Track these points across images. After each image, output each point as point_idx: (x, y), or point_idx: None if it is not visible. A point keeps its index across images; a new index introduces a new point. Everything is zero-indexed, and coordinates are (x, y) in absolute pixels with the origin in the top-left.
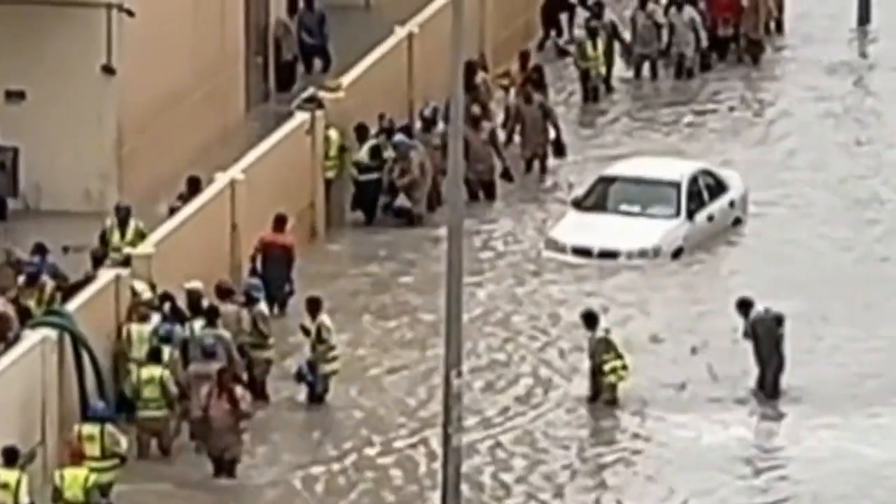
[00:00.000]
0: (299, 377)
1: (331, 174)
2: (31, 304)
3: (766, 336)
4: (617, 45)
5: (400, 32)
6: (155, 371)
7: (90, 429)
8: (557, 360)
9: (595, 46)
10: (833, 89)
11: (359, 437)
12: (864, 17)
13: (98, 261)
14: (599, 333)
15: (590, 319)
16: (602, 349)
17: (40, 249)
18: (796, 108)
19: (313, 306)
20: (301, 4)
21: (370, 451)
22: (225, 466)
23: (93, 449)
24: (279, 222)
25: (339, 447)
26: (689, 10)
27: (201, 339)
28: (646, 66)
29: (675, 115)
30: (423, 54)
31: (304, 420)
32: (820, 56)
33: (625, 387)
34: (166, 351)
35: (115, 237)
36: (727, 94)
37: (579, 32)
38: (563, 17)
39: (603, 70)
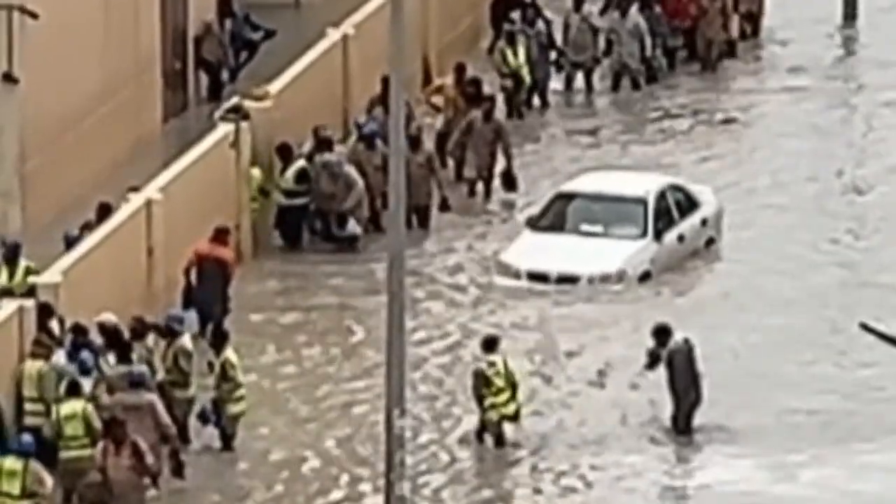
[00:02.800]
0: (202, 418)
1: (252, 216)
2: None
3: (683, 367)
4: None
5: (333, 35)
6: (76, 406)
7: (12, 464)
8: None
9: (516, 53)
10: (811, 92)
11: (284, 488)
12: (849, 13)
13: None
14: (479, 365)
15: (487, 346)
16: (481, 383)
17: None
18: (771, 117)
19: (219, 340)
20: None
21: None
22: None
23: (12, 486)
24: (219, 234)
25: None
26: (633, 16)
27: (129, 368)
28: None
29: (631, 126)
30: (360, 59)
31: (221, 465)
32: (799, 58)
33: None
34: (85, 383)
35: (3, 277)
36: (688, 102)
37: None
38: (516, 16)
39: (528, 77)
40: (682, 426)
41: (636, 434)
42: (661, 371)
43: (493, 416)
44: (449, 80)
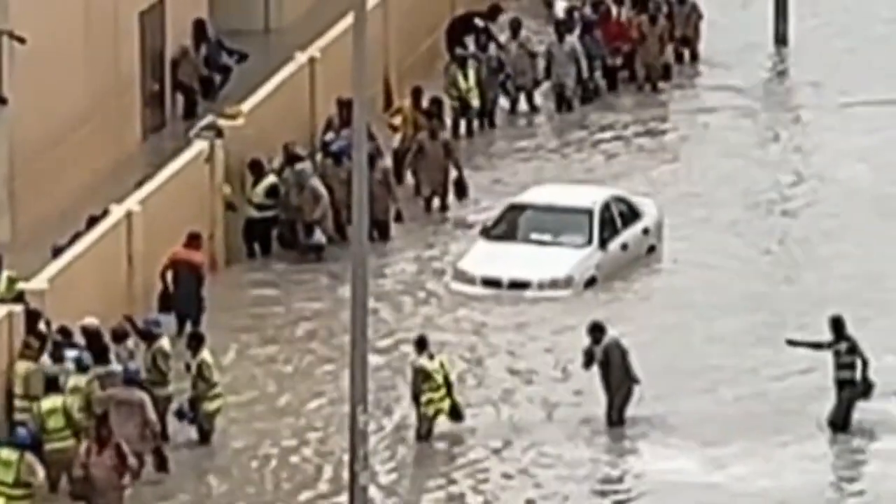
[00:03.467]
0: (179, 415)
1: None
2: None
3: (617, 363)
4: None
5: (301, 58)
6: (56, 400)
7: (8, 454)
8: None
9: (466, 77)
10: (746, 111)
11: (258, 478)
12: (780, 38)
13: None
14: (419, 361)
15: (419, 345)
16: (420, 379)
17: None
18: (708, 134)
19: (195, 342)
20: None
21: (265, 488)
22: None
23: (6, 475)
24: (191, 239)
25: (233, 493)
26: (570, 40)
27: (106, 368)
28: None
29: (575, 142)
30: (326, 80)
31: (196, 460)
32: (732, 78)
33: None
34: (82, 379)
35: None
36: (630, 120)
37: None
38: (470, 40)
39: (476, 102)
40: (615, 419)
41: (574, 427)
42: (595, 367)
43: (429, 411)
44: (407, 102)
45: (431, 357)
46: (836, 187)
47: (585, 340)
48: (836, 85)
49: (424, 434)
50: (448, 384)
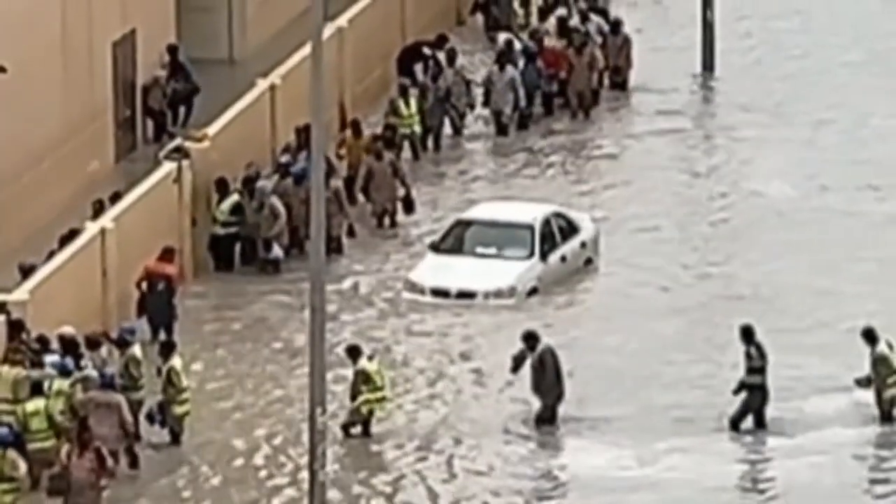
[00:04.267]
0: (150, 418)
1: None
2: None
3: (550, 369)
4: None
5: (262, 84)
6: (39, 403)
7: None
8: (428, 399)
9: (408, 104)
10: (676, 132)
11: (226, 476)
12: (707, 64)
13: None
14: (361, 364)
15: (353, 352)
16: (360, 380)
17: None
18: (640, 153)
19: (165, 350)
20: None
21: (233, 486)
22: None
23: None
24: (165, 253)
25: (199, 487)
26: (510, 70)
27: (100, 369)
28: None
29: (515, 163)
30: (286, 105)
31: (167, 459)
32: (662, 103)
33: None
34: (65, 383)
35: None
36: (566, 142)
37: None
38: (418, 68)
39: (418, 129)
40: (546, 418)
41: (514, 427)
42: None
43: (364, 409)
44: (348, 132)
45: (370, 359)
46: (759, 200)
47: (518, 347)
48: (760, 108)
49: (360, 433)
50: (383, 387)
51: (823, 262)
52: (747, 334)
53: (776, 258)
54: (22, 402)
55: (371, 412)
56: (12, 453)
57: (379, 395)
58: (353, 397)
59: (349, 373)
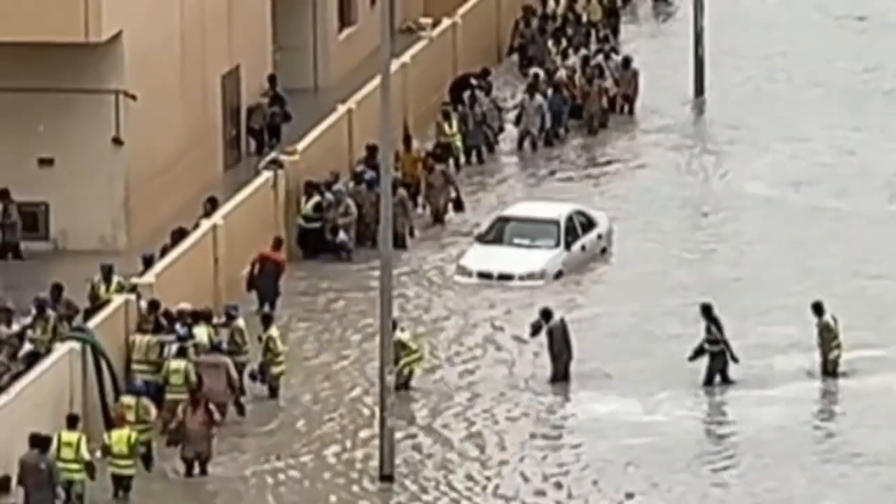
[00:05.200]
0: (252, 377)
1: None
2: (38, 332)
3: (559, 338)
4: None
5: (341, 109)
6: (181, 363)
7: (129, 400)
8: (470, 359)
9: (451, 125)
10: (673, 145)
11: (316, 422)
12: (698, 90)
13: (94, 305)
14: (397, 336)
15: (392, 325)
16: (398, 348)
17: (57, 288)
18: (644, 163)
19: (265, 321)
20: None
21: (319, 430)
22: (198, 467)
23: (131, 415)
24: (277, 243)
25: (294, 432)
26: (538, 98)
27: (211, 336)
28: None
29: (540, 173)
30: (360, 125)
31: (267, 410)
32: (662, 121)
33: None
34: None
35: (102, 290)
36: (582, 154)
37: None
38: (466, 95)
39: (459, 144)
40: (559, 376)
41: (539, 385)
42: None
43: (405, 371)
44: (400, 147)
45: (403, 330)
46: (744, 201)
47: (535, 318)
48: (742, 125)
49: (401, 386)
50: (418, 350)
51: (793, 247)
52: (706, 311)
53: (755, 244)
54: (153, 363)
55: (411, 372)
56: (145, 401)
57: (415, 356)
58: (396, 362)
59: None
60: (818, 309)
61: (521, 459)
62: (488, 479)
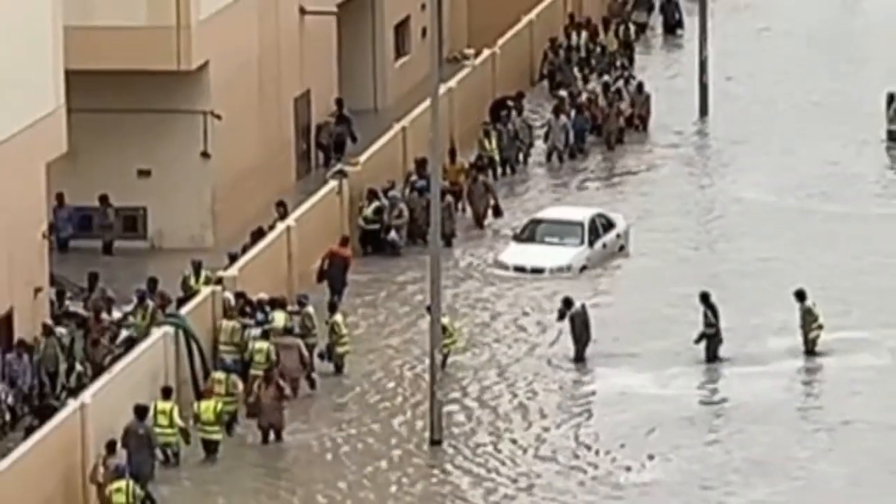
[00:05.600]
0: (321, 356)
1: None
2: (138, 318)
3: (579, 323)
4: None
5: (396, 126)
6: (264, 344)
7: (220, 376)
8: (505, 340)
9: (490, 142)
10: (682, 157)
11: (370, 393)
12: (703, 111)
13: (186, 295)
14: (443, 321)
15: (428, 310)
16: (441, 333)
17: (153, 281)
18: (654, 173)
19: (331, 308)
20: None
21: (378, 401)
22: (273, 435)
23: (220, 388)
24: (344, 240)
25: (357, 402)
26: (563, 118)
27: (286, 321)
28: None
29: (566, 182)
30: (413, 140)
31: (333, 384)
32: (671, 138)
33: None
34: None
35: (192, 281)
36: (604, 165)
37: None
38: (503, 114)
39: (497, 157)
40: (579, 356)
41: (565, 362)
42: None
43: (445, 351)
44: (447, 160)
45: (444, 316)
46: (744, 205)
47: (559, 305)
48: (741, 140)
49: (442, 365)
50: (452, 335)
51: (786, 244)
52: (704, 299)
53: (754, 242)
54: (239, 345)
55: (447, 354)
56: (234, 377)
57: (449, 341)
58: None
59: (456, 324)
60: (800, 295)
61: (557, 426)
62: (528, 443)
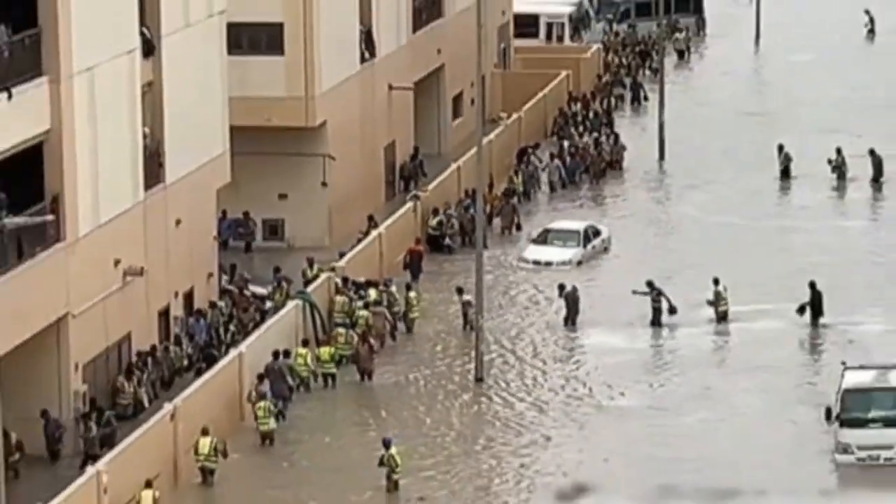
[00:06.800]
0: (401, 320)
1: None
2: (277, 295)
3: (572, 300)
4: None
5: (453, 166)
6: (364, 313)
7: (341, 330)
8: (524, 310)
9: (517, 177)
10: (646, 186)
11: (433, 346)
12: (661, 156)
13: (305, 280)
14: (465, 298)
15: (459, 290)
16: (467, 305)
17: (277, 270)
18: (628, 199)
19: (407, 287)
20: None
21: (440, 351)
22: (367, 377)
23: (341, 339)
24: (418, 241)
25: (426, 350)
26: (556, 161)
27: (378, 296)
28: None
29: (564, 205)
30: (464, 175)
31: (408, 340)
32: (639, 174)
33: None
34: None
35: (308, 273)
36: (591, 195)
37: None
38: (525, 158)
39: (521, 189)
40: (572, 322)
41: (560, 328)
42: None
43: (471, 321)
44: (486, 189)
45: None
46: (690, 221)
47: (556, 287)
48: (691, 175)
49: (468, 330)
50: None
51: (719, 247)
52: (650, 284)
53: (694, 246)
54: (356, 311)
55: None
56: (351, 332)
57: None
58: (465, 314)
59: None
60: (716, 281)
61: (561, 369)
62: (541, 380)
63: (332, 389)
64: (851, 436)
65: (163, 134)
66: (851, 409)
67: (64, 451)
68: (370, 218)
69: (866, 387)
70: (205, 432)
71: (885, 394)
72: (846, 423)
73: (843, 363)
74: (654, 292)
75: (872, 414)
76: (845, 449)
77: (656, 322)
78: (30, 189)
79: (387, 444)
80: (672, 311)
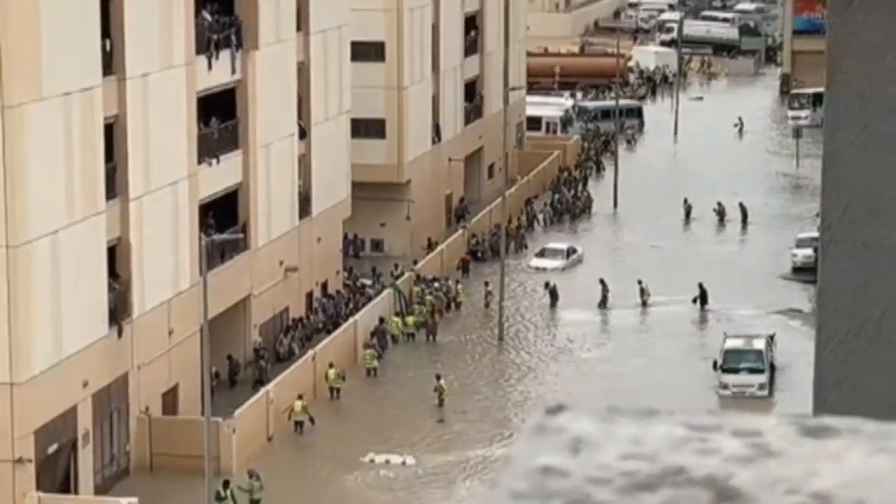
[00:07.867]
0: (452, 301)
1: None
2: (376, 286)
3: (553, 293)
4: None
5: (487, 208)
6: (430, 297)
7: (418, 307)
8: (528, 297)
9: (524, 217)
10: (608, 226)
11: (472, 319)
12: (615, 204)
13: (395, 277)
14: (488, 288)
15: (486, 283)
16: (489, 295)
17: (374, 269)
18: (596, 231)
19: (456, 282)
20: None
21: (478, 322)
22: (432, 338)
23: (417, 312)
24: (467, 253)
25: (467, 323)
26: (548, 206)
27: (440, 287)
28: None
29: (556, 233)
30: (493, 214)
31: (457, 316)
32: (602, 217)
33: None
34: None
35: (395, 272)
36: (569, 228)
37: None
38: (529, 204)
39: (526, 224)
40: (553, 306)
41: (547, 310)
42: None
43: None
44: (506, 223)
45: (488, 284)
46: (637, 246)
47: (542, 284)
48: (640, 218)
49: (488, 308)
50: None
51: (655, 263)
52: (602, 281)
53: (637, 260)
54: (427, 296)
55: (489, 302)
56: (425, 308)
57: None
58: (488, 301)
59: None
60: (640, 282)
61: (549, 334)
62: (538, 341)
63: (411, 344)
64: (729, 379)
65: (310, 185)
66: (729, 362)
67: (239, 380)
68: (429, 240)
69: (739, 348)
70: (331, 366)
71: (750, 353)
72: (726, 370)
73: (725, 333)
74: (603, 287)
75: (742, 365)
76: (725, 386)
77: (603, 305)
78: (229, 218)
79: (438, 377)
80: (605, 299)
